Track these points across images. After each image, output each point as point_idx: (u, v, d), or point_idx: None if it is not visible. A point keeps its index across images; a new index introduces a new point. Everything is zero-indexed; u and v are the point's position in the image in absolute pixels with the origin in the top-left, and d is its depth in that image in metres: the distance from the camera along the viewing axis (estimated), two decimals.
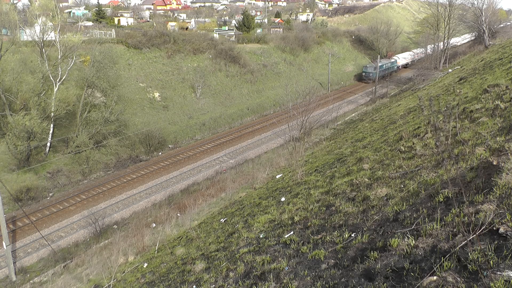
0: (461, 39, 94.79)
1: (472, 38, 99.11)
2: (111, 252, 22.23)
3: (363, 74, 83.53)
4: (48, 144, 39.51)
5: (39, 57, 42.33)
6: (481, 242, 5.00)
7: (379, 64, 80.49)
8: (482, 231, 5.18)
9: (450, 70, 49.53)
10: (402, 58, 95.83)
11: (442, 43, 73.13)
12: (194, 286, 9.85)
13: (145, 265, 16.33)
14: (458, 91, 20.21)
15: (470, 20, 75.16)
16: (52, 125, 39.80)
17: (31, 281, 23.87)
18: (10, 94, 37.80)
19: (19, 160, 36.10)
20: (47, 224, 30.98)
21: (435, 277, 4.82)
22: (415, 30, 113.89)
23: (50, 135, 39.64)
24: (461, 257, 4.94)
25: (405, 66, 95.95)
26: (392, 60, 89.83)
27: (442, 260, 5.07)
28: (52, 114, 39.13)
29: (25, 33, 48.14)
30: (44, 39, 42.49)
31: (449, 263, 4.95)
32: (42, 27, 41.99)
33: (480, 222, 5.36)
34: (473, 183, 6.97)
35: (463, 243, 5.16)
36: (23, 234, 29.68)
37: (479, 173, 7.22)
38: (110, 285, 14.09)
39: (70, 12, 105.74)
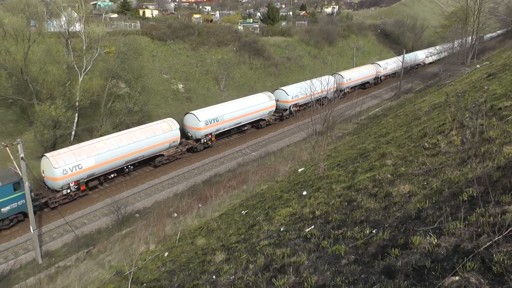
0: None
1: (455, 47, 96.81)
2: (132, 240, 22.64)
3: None
4: (73, 132, 40.30)
5: (65, 48, 43.17)
6: (507, 244, 4.89)
7: None
8: (508, 232, 5.06)
9: (478, 66, 48.27)
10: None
11: (470, 37, 71.26)
12: (214, 276, 9.95)
13: (166, 254, 16.58)
14: (486, 87, 19.70)
15: (502, 13, 72.92)
16: (77, 115, 40.59)
17: (56, 265, 24.54)
18: (36, 83, 38.65)
19: (46, 148, 36.96)
20: (71, 210, 31.75)
21: (457, 277, 4.74)
22: (442, 24, 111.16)
23: (74, 124, 40.43)
24: (485, 258, 4.85)
25: None
26: None
27: (465, 260, 4.98)
28: (77, 103, 39.91)
29: (52, 24, 49.03)
30: (70, 30, 43.23)
31: (472, 264, 4.86)
32: (67, 19, 42.72)
33: (507, 223, 5.24)
34: (500, 183, 6.81)
35: (488, 244, 5.06)
36: (48, 220, 30.50)
37: (507, 172, 7.06)
38: (131, 272, 14.36)
39: (95, 4, 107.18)
